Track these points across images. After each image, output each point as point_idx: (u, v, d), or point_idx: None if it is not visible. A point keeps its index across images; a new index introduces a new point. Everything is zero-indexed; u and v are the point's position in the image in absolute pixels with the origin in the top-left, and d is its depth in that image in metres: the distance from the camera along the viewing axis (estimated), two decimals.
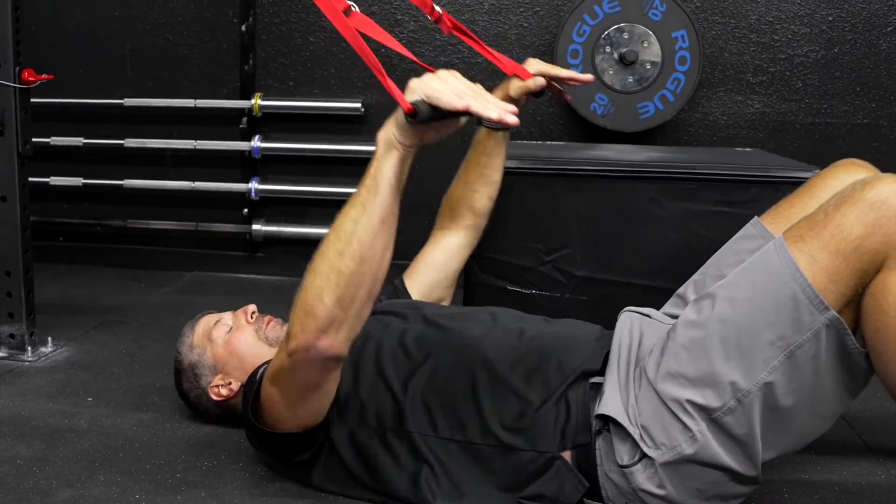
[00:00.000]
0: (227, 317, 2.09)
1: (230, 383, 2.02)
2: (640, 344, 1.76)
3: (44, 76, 2.53)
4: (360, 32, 1.47)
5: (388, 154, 1.46)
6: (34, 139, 2.60)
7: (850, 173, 1.90)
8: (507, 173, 2.51)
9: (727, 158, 2.76)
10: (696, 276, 2.00)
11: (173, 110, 3.71)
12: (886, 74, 3.43)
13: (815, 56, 3.44)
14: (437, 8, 2.03)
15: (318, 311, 1.47)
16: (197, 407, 2.11)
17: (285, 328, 2.05)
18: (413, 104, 1.40)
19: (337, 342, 1.51)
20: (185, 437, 2.10)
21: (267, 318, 2.08)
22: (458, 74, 1.42)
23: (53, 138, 3.72)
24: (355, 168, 3.62)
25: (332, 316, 1.47)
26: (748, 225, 1.99)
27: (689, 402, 1.57)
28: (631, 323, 1.83)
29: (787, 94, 3.48)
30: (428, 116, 1.40)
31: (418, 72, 1.45)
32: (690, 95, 3.33)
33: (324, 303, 1.47)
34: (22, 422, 2.17)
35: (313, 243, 3.75)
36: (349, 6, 1.49)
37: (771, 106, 3.49)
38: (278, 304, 2.38)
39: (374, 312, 2.04)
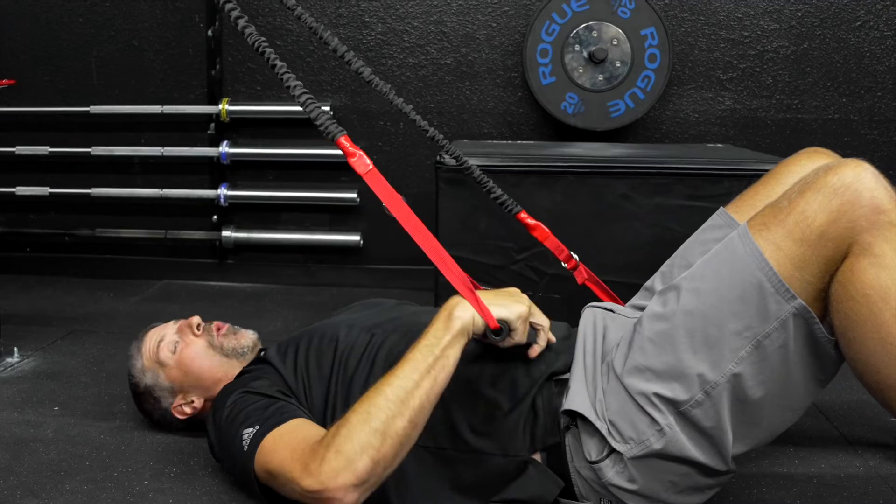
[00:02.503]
0: (169, 332, 2.02)
1: (192, 402, 1.99)
2: (604, 338, 1.74)
3: (4, 81, 2.49)
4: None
5: (462, 337, 1.55)
6: None
7: (813, 161, 1.89)
8: None
9: (698, 153, 2.76)
10: (663, 268, 1.99)
11: (140, 117, 3.68)
12: (856, 69, 3.44)
13: (785, 52, 3.45)
14: (575, 256, 2.21)
15: (360, 466, 1.44)
16: (161, 424, 2.07)
17: (241, 340, 2.01)
18: (500, 323, 1.59)
19: (361, 499, 1.47)
20: (153, 445, 2.06)
21: (215, 325, 2.02)
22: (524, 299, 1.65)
23: (19, 147, 3.67)
24: (325, 172, 3.61)
25: (370, 474, 1.45)
26: (714, 215, 1.98)
27: (657, 395, 1.55)
28: (594, 318, 1.81)
29: (758, 90, 3.48)
30: (505, 336, 1.61)
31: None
32: (661, 93, 3.32)
33: (368, 460, 1.44)
34: None
35: (284, 249, 3.76)
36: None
37: (742, 102, 3.49)
38: (249, 311, 2.36)
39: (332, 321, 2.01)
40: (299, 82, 1.54)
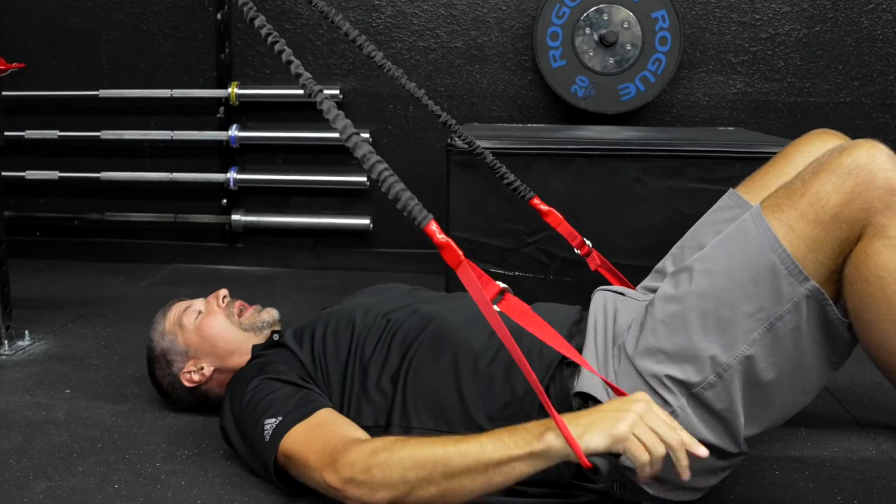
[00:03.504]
0: (198, 303, 2.07)
1: (202, 368, 2.00)
2: (615, 321, 1.74)
3: (15, 65, 2.48)
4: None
5: (540, 461, 1.39)
6: (8, 132, 2.56)
7: (823, 141, 1.89)
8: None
9: (710, 136, 2.75)
10: (674, 250, 1.98)
11: (149, 101, 3.67)
12: (868, 52, 3.42)
13: (797, 35, 3.43)
14: (588, 242, 2.18)
15: (377, 497, 1.47)
16: (170, 395, 2.09)
17: (263, 315, 2.03)
18: (593, 463, 1.36)
19: None
20: (164, 427, 2.07)
21: (238, 303, 2.06)
22: (654, 409, 1.36)
23: (28, 132, 3.67)
24: (334, 156, 3.61)
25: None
26: (725, 196, 1.97)
27: (669, 377, 1.54)
28: (605, 301, 1.81)
29: (769, 73, 3.46)
30: (606, 473, 1.38)
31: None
32: (672, 76, 3.30)
33: (387, 495, 1.46)
34: None
35: (293, 233, 3.76)
36: (502, 290, 1.43)
37: (753, 86, 3.47)
38: (259, 295, 2.36)
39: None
40: (372, 151, 1.42)
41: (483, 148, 2.25)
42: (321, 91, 1.46)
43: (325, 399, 1.75)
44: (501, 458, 1.39)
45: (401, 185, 1.39)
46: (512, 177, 2.21)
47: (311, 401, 1.70)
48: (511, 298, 1.42)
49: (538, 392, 1.38)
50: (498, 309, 1.39)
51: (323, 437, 1.59)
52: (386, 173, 1.39)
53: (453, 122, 2.26)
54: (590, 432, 1.34)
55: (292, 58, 1.48)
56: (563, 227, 2.19)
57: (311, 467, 1.57)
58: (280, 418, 1.65)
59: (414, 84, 2.21)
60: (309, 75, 1.47)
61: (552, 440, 1.36)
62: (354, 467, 1.48)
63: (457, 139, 2.49)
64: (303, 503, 1.69)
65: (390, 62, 2.13)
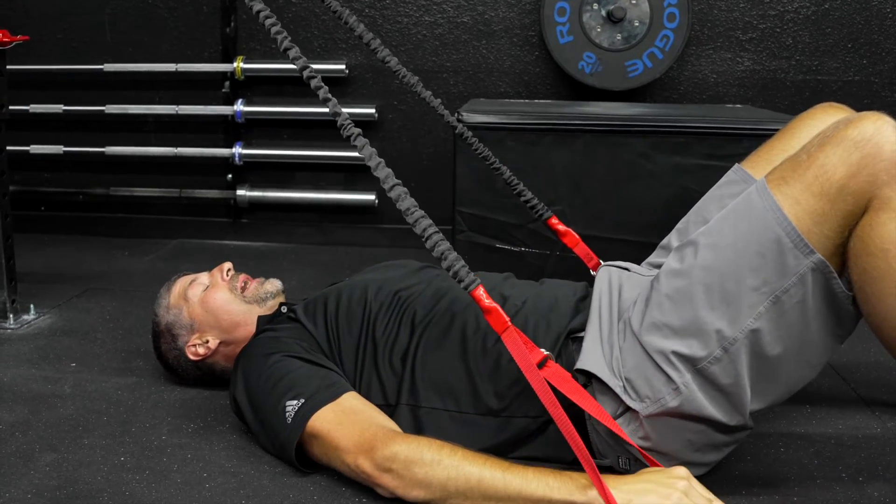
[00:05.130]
0: (202, 276, 2.07)
1: (207, 341, 2.00)
2: (619, 296, 1.73)
3: (19, 37, 2.47)
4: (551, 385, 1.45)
5: None
6: (12, 106, 2.55)
7: (828, 115, 1.87)
8: (495, 129, 2.49)
9: (717, 113, 2.74)
10: (679, 225, 1.98)
11: (154, 75, 3.66)
12: (878, 30, 3.39)
13: (806, 12, 3.40)
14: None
15: (412, 492, 1.53)
16: (176, 369, 2.08)
17: (266, 286, 2.03)
18: None
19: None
20: (170, 400, 2.07)
21: (242, 276, 2.06)
22: (695, 486, 1.44)
23: (33, 106, 3.65)
24: (339, 132, 3.58)
25: (412, 497, 1.53)
26: (730, 171, 1.96)
27: (675, 353, 1.53)
28: (609, 276, 1.81)
29: (778, 50, 3.44)
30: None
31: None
32: (679, 53, 3.28)
33: (422, 493, 1.52)
34: (3, 388, 2.14)
35: (298, 208, 3.73)
36: (545, 357, 1.47)
37: (761, 63, 3.45)
38: (264, 270, 2.36)
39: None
40: (408, 198, 1.48)
41: (500, 164, 2.25)
42: (360, 135, 1.58)
43: (346, 381, 1.76)
44: (542, 497, 1.44)
45: (446, 245, 1.45)
46: (529, 194, 2.21)
47: (334, 382, 1.71)
48: (553, 365, 1.47)
49: (586, 465, 1.39)
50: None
51: (358, 423, 1.61)
52: (431, 230, 1.45)
53: (470, 133, 2.27)
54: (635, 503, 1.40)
55: (323, 87, 1.48)
56: (580, 248, 2.18)
57: (341, 450, 1.60)
58: (302, 400, 1.66)
59: (430, 92, 2.24)
60: (347, 115, 1.54)
61: (595, 498, 1.41)
62: (396, 459, 1.52)
63: (464, 112, 2.49)
64: (310, 479, 1.70)
65: (416, 78, 2.25)
